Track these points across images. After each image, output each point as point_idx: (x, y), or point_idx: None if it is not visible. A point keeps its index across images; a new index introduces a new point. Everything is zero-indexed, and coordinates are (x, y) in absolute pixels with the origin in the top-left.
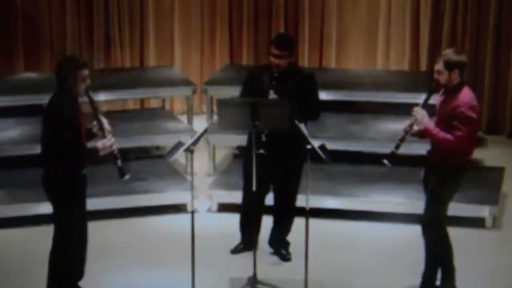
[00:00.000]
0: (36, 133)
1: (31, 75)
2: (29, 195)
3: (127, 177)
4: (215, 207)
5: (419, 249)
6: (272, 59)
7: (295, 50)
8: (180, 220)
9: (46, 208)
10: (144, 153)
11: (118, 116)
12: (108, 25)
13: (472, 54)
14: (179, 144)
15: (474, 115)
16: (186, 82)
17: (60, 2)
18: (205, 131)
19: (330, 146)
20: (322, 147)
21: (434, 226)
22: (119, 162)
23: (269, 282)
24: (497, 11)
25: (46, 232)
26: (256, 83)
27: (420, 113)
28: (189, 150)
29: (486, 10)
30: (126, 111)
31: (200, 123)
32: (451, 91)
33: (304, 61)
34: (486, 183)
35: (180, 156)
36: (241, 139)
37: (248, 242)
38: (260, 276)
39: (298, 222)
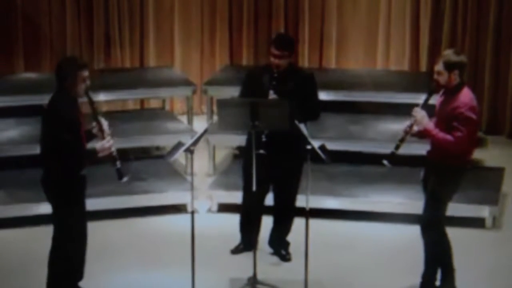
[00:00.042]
0: (36, 133)
1: (31, 75)
2: (29, 195)
3: (125, 179)
4: (215, 208)
5: (419, 249)
6: (272, 59)
7: (295, 50)
8: (180, 220)
9: (46, 208)
10: (144, 153)
11: (118, 116)
12: (108, 25)
13: (472, 54)
14: (179, 145)
15: (474, 116)
16: (186, 82)
17: (60, 2)
18: (205, 131)
19: (330, 146)
20: (322, 147)
21: (434, 226)
22: (117, 164)
23: (269, 282)
24: (497, 11)
25: (46, 232)
26: (256, 83)
27: (420, 114)
28: (189, 151)
29: (486, 10)
30: (126, 111)
31: (200, 124)
32: (451, 92)
33: (304, 61)
34: (486, 183)
35: (180, 157)
36: (241, 139)
37: (248, 242)
38: (260, 276)
39: (298, 222)
